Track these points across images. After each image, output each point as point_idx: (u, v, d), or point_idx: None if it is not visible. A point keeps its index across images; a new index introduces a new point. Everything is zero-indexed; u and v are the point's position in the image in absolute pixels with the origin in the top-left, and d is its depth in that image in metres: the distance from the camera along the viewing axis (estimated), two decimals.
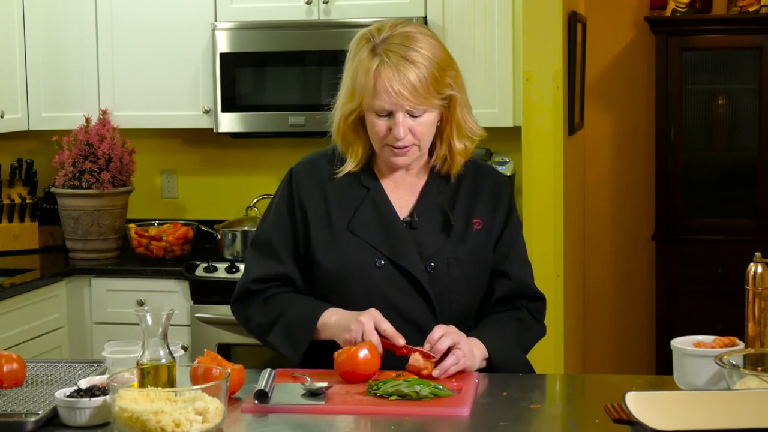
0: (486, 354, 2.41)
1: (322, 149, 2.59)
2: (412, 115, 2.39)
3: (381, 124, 2.40)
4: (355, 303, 2.44)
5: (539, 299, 2.59)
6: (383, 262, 2.45)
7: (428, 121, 2.41)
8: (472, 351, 2.36)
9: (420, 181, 2.52)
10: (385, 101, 2.37)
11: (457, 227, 2.48)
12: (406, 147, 2.42)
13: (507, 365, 2.44)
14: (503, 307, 2.54)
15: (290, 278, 2.54)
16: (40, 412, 2.08)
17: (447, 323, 2.41)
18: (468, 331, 2.45)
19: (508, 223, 2.54)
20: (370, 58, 2.38)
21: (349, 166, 2.50)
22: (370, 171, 2.52)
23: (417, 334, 2.42)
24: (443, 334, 2.33)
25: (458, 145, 2.48)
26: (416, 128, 2.40)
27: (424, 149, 2.47)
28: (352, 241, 2.47)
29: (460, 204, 2.51)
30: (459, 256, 2.46)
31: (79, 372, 2.37)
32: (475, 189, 2.53)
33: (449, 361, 2.31)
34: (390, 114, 2.39)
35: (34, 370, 2.38)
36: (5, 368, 2.25)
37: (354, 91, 2.42)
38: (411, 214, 2.49)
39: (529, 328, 2.55)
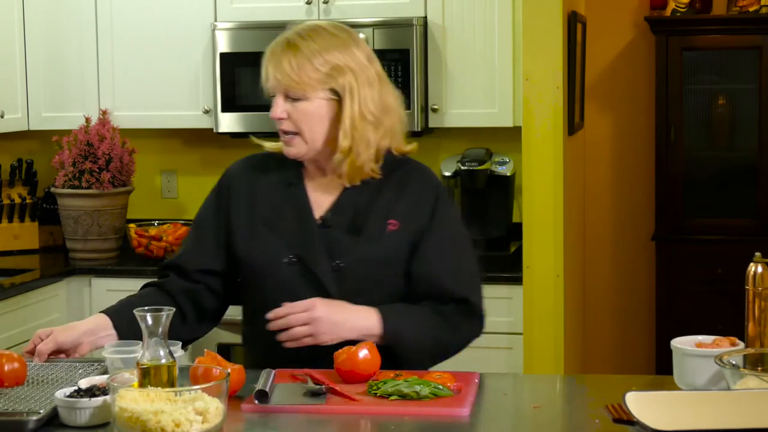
0: (377, 321, 2.42)
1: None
2: (291, 99, 2.46)
3: (271, 108, 2.50)
4: (266, 298, 2.50)
5: (462, 301, 2.50)
6: (294, 259, 2.49)
7: (306, 108, 2.46)
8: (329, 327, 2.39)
9: (344, 181, 2.54)
10: (267, 83, 2.49)
11: (370, 227, 2.49)
12: (289, 133, 2.48)
13: (405, 341, 2.43)
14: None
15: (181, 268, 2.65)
16: (41, 411, 2.09)
17: None
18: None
19: (431, 225, 2.51)
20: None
21: (277, 147, 2.59)
22: (298, 171, 2.57)
23: None
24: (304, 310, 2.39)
25: (343, 143, 2.47)
26: (293, 113, 2.47)
27: (311, 141, 2.49)
28: (268, 237, 2.53)
29: (379, 204, 2.51)
30: (369, 257, 2.48)
31: (80, 372, 2.37)
32: (399, 190, 2.53)
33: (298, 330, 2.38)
34: (275, 97, 2.49)
35: (35, 370, 2.38)
36: (6, 367, 2.26)
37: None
38: (327, 213, 2.52)
39: (449, 320, 2.48)
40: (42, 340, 2.44)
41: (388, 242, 2.49)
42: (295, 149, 2.51)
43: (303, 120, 2.47)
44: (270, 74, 2.47)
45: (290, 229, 2.52)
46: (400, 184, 2.54)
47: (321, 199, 2.55)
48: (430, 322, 2.47)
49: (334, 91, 2.46)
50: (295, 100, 2.46)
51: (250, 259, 2.54)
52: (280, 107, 2.47)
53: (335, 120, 2.48)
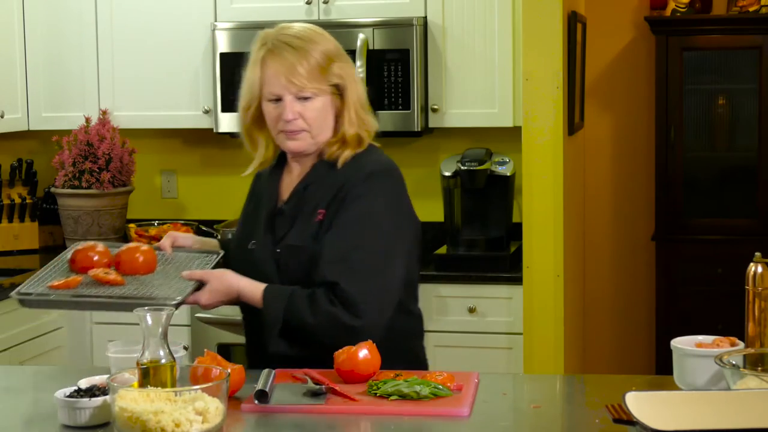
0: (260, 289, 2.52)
1: None
2: (302, 98, 2.53)
3: (273, 110, 2.56)
4: None
5: (331, 286, 2.46)
6: (253, 246, 2.62)
7: (317, 106, 2.55)
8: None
9: (306, 171, 2.64)
10: (273, 86, 2.54)
11: (304, 216, 2.57)
12: (296, 131, 2.56)
13: (268, 303, 2.49)
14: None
15: None
16: (179, 298, 2.42)
17: None
18: None
19: (339, 210, 2.53)
20: (259, 50, 2.58)
21: (255, 164, 2.70)
22: (282, 163, 2.69)
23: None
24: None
25: (350, 130, 2.58)
26: (306, 112, 2.54)
27: (318, 136, 2.58)
28: (243, 226, 2.73)
29: (319, 193, 2.58)
30: (296, 245, 2.55)
31: (196, 262, 2.64)
32: (337, 180, 2.57)
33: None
34: (280, 99, 2.54)
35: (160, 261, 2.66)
36: (140, 258, 2.55)
37: (249, 84, 2.60)
38: (284, 202, 2.62)
39: (313, 300, 2.45)
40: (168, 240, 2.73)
41: (314, 231, 2.54)
42: (302, 143, 2.58)
43: (314, 118, 2.55)
44: (280, 77, 2.53)
45: (256, 216, 2.67)
46: (341, 174, 2.58)
47: (288, 189, 2.65)
48: (298, 297, 2.47)
49: (335, 86, 2.57)
50: (305, 99, 2.54)
51: (232, 247, 2.73)
52: (293, 108, 2.53)
53: (336, 114, 2.59)
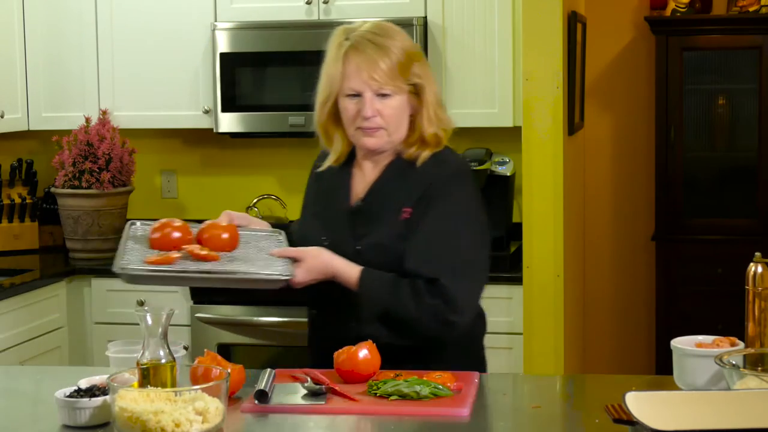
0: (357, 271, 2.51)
1: None
2: (381, 96, 2.53)
3: (351, 105, 2.55)
4: None
5: (431, 281, 2.49)
6: (326, 242, 2.59)
7: (396, 104, 2.55)
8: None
9: (381, 169, 2.63)
10: (353, 81, 2.53)
11: (389, 214, 2.56)
12: (374, 128, 2.55)
13: (367, 285, 2.49)
14: None
15: None
16: (287, 274, 2.43)
17: None
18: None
19: (428, 210, 2.53)
20: (341, 45, 2.57)
21: (331, 160, 2.67)
22: (350, 161, 2.66)
23: (350, 308, 2.52)
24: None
25: (429, 129, 2.58)
26: (385, 110, 2.54)
27: (394, 134, 2.58)
28: (312, 221, 2.70)
29: (402, 192, 2.57)
30: (380, 242, 2.54)
31: (263, 242, 2.59)
32: (421, 179, 2.57)
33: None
34: (359, 95, 2.54)
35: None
36: (224, 236, 2.52)
37: (328, 78, 2.58)
38: (361, 198, 2.61)
39: (415, 290, 2.47)
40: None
41: (399, 229, 2.54)
42: (379, 140, 2.58)
43: (392, 116, 2.56)
44: (362, 73, 2.52)
45: (329, 213, 2.65)
46: (423, 173, 2.58)
47: (362, 186, 2.63)
48: (402, 287, 2.48)
49: (413, 85, 2.57)
50: (384, 96, 2.54)
51: (299, 242, 2.65)
52: (372, 105, 2.53)
53: (412, 112, 2.59)
